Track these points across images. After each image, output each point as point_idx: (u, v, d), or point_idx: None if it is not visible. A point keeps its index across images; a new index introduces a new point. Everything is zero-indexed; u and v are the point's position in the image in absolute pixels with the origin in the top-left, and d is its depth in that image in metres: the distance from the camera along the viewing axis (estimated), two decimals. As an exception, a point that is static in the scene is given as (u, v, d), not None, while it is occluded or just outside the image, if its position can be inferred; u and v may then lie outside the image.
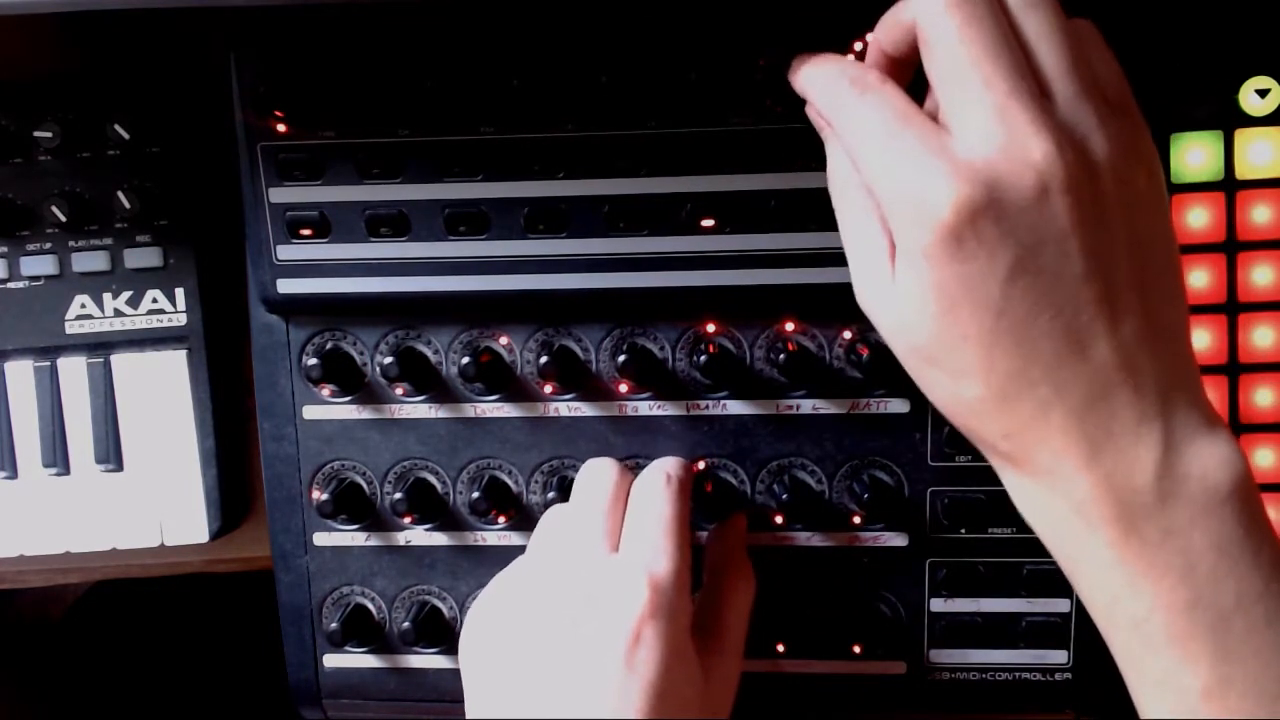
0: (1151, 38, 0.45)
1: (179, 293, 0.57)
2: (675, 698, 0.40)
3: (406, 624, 0.52)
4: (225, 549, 0.59)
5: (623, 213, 0.48)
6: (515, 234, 0.49)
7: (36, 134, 0.54)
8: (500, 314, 0.52)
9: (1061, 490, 0.34)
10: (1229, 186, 0.50)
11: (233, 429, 0.58)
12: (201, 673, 0.90)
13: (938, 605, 0.52)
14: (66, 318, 0.57)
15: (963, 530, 0.51)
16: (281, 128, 0.48)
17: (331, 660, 0.55)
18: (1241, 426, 0.51)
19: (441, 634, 0.54)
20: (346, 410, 0.53)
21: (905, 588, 0.52)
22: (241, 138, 0.49)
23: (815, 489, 0.51)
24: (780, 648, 0.52)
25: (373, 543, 0.54)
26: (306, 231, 0.49)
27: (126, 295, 0.57)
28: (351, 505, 0.52)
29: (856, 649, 0.52)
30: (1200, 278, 0.50)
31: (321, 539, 0.54)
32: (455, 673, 0.54)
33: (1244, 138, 0.49)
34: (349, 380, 0.52)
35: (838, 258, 0.48)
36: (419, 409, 0.53)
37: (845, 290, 0.48)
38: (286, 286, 0.51)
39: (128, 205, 0.55)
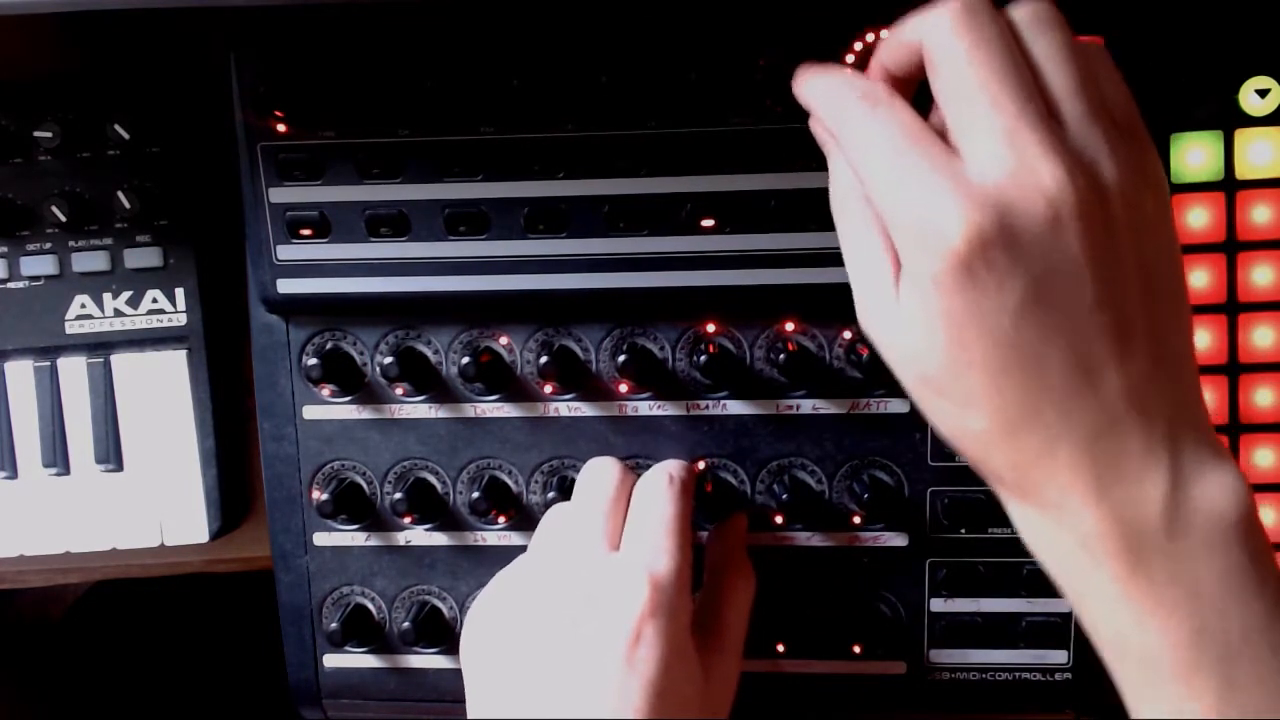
0: (1152, 38, 0.45)
1: (179, 293, 0.57)
2: (675, 696, 0.40)
3: (406, 624, 0.52)
4: (225, 549, 0.59)
5: (623, 213, 0.48)
6: (515, 234, 0.49)
7: (36, 134, 0.54)
8: (500, 314, 0.52)
9: (1068, 523, 0.33)
10: (1229, 186, 0.50)
11: (233, 429, 0.58)
12: (201, 673, 0.90)
13: (938, 605, 0.52)
14: (66, 318, 0.57)
15: (963, 530, 0.51)
16: (281, 128, 0.48)
17: (331, 660, 0.55)
18: (1241, 426, 0.51)
19: (441, 634, 0.54)
20: (346, 410, 0.53)
21: (905, 588, 0.52)
22: (241, 138, 0.49)
23: (815, 489, 0.51)
24: (780, 648, 0.52)
25: (373, 543, 0.54)
26: (306, 231, 0.49)
27: (126, 295, 0.57)
28: (351, 505, 0.52)
29: (856, 649, 0.52)
30: (1200, 278, 0.50)
31: (321, 539, 0.54)
32: (455, 673, 0.54)
33: (1244, 138, 0.49)
34: (349, 380, 0.52)
35: (838, 258, 0.47)
36: (419, 409, 0.53)
37: (845, 290, 0.48)
38: (286, 286, 0.51)
39: (128, 205, 0.55)
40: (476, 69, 0.47)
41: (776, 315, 0.51)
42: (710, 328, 0.51)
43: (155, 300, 0.57)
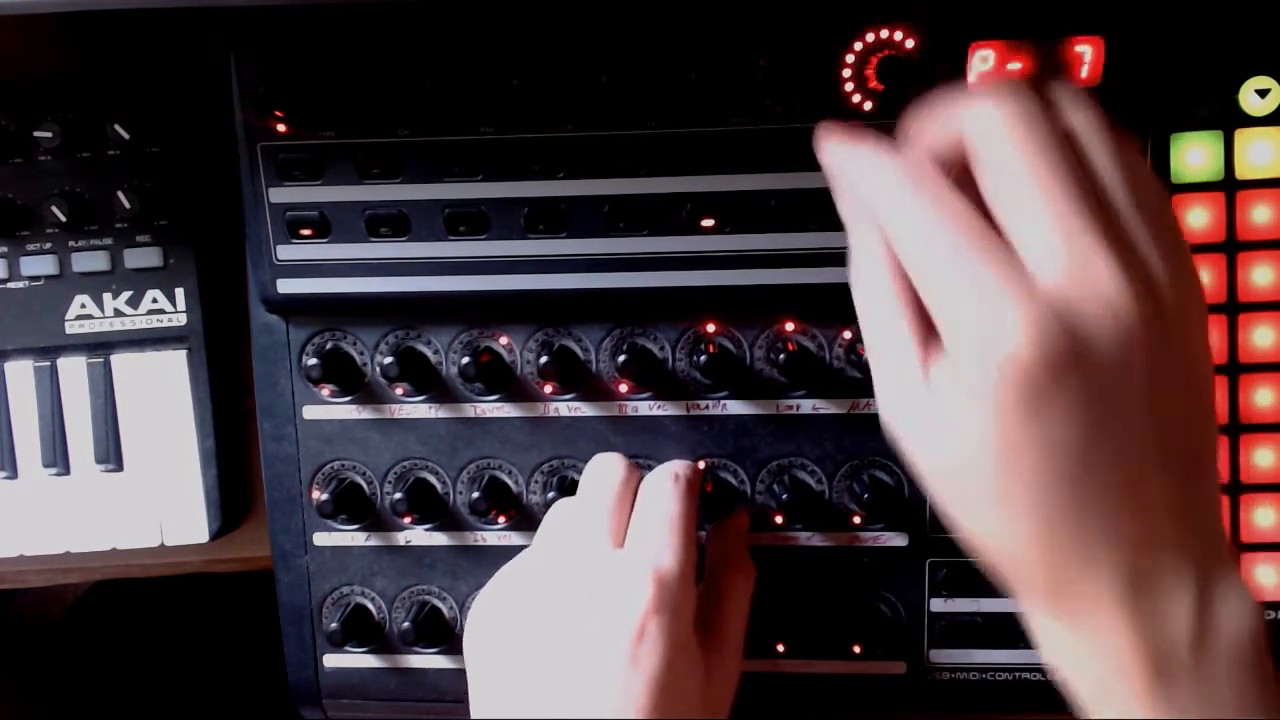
0: (1152, 38, 0.45)
1: (179, 293, 0.57)
2: (678, 693, 0.40)
3: (406, 624, 0.52)
4: (225, 549, 0.59)
5: (623, 213, 0.48)
6: (515, 234, 0.49)
7: (36, 134, 0.54)
8: (500, 314, 0.52)
9: (1098, 640, 0.33)
10: (1229, 186, 0.50)
11: (233, 429, 0.58)
12: (201, 673, 0.90)
13: (938, 605, 0.52)
14: (66, 318, 0.57)
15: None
16: (281, 128, 0.48)
17: (331, 660, 0.55)
18: (1241, 427, 0.51)
19: (441, 634, 0.54)
20: (346, 410, 0.53)
21: (905, 588, 0.52)
22: (241, 138, 0.49)
23: (815, 489, 0.51)
24: (780, 648, 0.52)
25: (373, 543, 0.54)
26: (306, 231, 0.49)
27: (126, 295, 0.57)
28: (351, 505, 0.52)
29: (856, 649, 0.52)
30: (1200, 278, 0.50)
31: (321, 539, 0.54)
32: (455, 673, 0.54)
33: (1244, 138, 0.49)
34: (349, 380, 0.52)
35: (838, 258, 0.48)
36: (419, 409, 0.53)
37: (845, 290, 0.48)
38: (286, 286, 0.51)
39: (128, 205, 0.55)
40: (476, 69, 0.47)
41: (776, 315, 0.51)
42: (710, 328, 0.51)
43: (155, 300, 0.57)
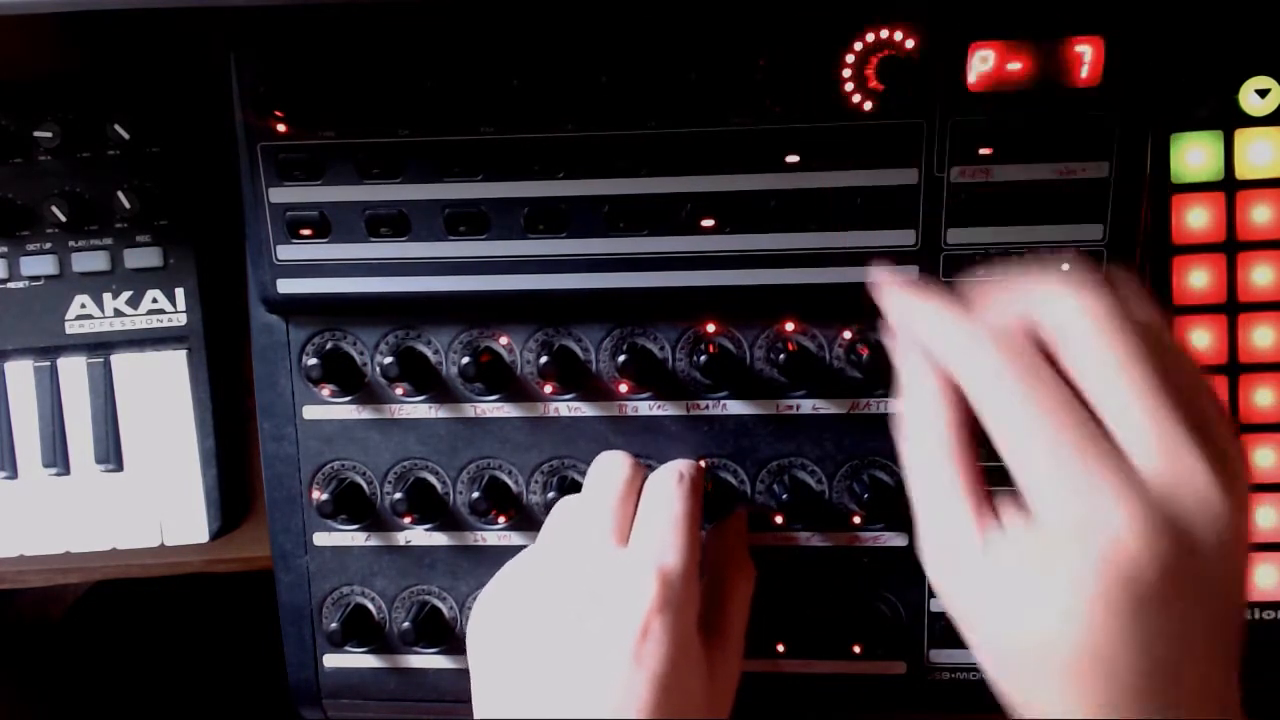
0: (1152, 38, 0.45)
1: (179, 293, 0.57)
2: (681, 692, 0.40)
3: (406, 624, 0.52)
4: (225, 549, 0.59)
5: (623, 213, 0.48)
6: (515, 234, 0.49)
7: (36, 134, 0.54)
8: (500, 314, 0.52)
9: None
10: (1229, 186, 0.50)
11: (233, 429, 0.58)
12: (201, 673, 0.90)
13: (938, 605, 0.52)
14: (66, 318, 0.57)
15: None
16: (281, 128, 0.48)
17: (331, 660, 0.55)
18: (1242, 427, 0.51)
19: (441, 634, 0.54)
20: (346, 410, 0.53)
21: (905, 588, 0.52)
22: (241, 138, 0.49)
23: (815, 489, 0.51)
24: (780, 648, 0.52)
25: (373, 543, 0.54)
26: (306, 231, 0.49)
27: (126, 295, 0.57)
28: (351, 505, 0.52)
29: (856, 649, 0.52)
30: (1200, 278, 0.50)
31: (321, 539, 0.54)
32: (455, 673, 0.54)
33: (1244, 138, 0.49)
34: (349, 380, 0.52)
35: (837, 258, 0.48)
36: (419, 409, 0.53)
37: (845, 290, 0.48)
38: (286, 286, 0.51)
39: (128, 205, 0.55)
40: (476, 69, 0.47)
41: (776, 315, 0.51)
42: (710, 328, 0.51)
43: (155, 300, 0.57)
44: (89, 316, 0.57)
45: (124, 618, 0.87)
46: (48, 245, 0.56)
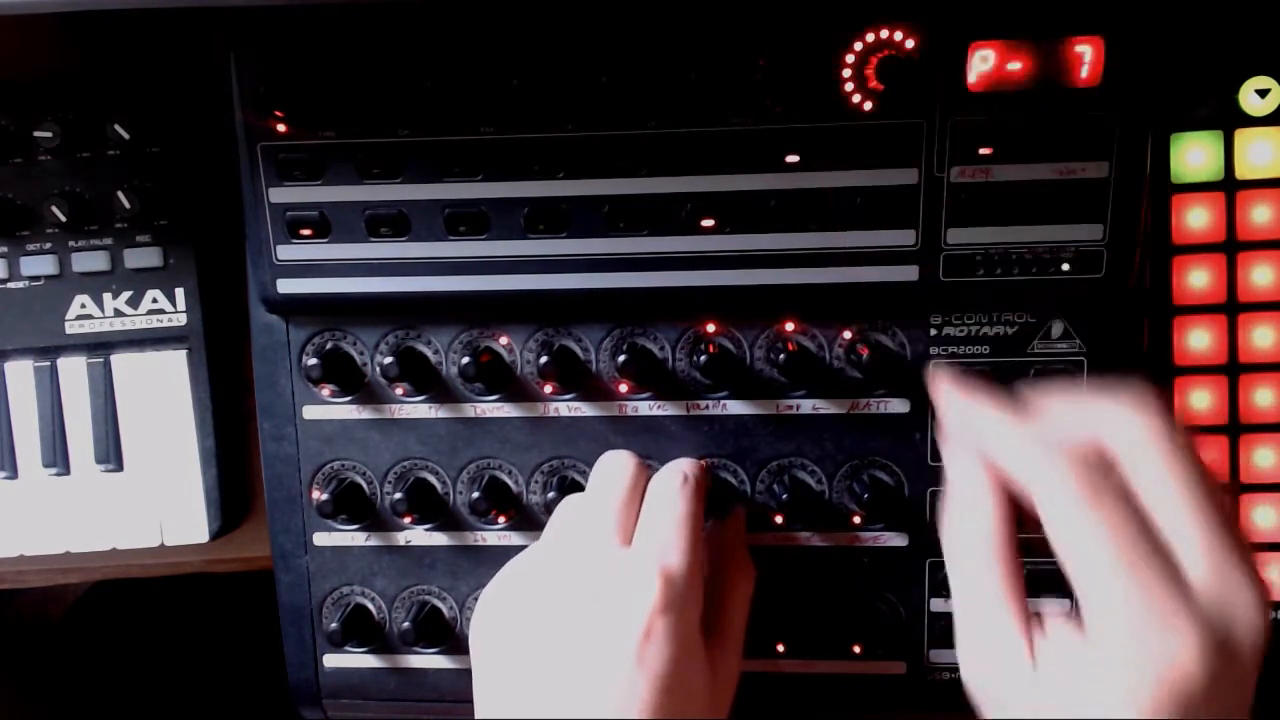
0: (1152, 38, 0.45)
1: (179, 293, 0.57)
2: (683, 692, 0.40)
3: (406, 624, 0.52)
4: (225, 549, 0.59)
5: (623, 213, 0.48)
6: (515, 234, 0.49)
7: (36, 134, 0.54)
8: (500, 314, 0.52)
9: None
10: (1229, 186, 0.50)
11: (233, 429, 0.58)
12: (201, 673, 0.90)
13: (938, 605, 0.52)
14: (66, 318, 0.57)
15: (963, 530, 0.51)
16: (281, 128, 0.48)
17: (331, 660, 0.55)
18: (1241, 427, 0.51)
19: (441, 634, 0.54)
20: (346, 410, 0.53)
21: (905, 588, 0.52)
22: (241, 138, 0.49)
23: (815, 489, 0.51)
24: (780, 648, 0.52)
25: (373, 543, 0.54)
26: (306, 231, 0.49)
27: (126, 295, 0.57)
28: (351, 505, 0.52)
29: (856, 649, 0.52)
30: (1200, 278, 0.50)
31: (321, 539, 0.54)
32: (455, 673, 0.54)
33: (1244, 138, 0.49)
34: (349, 380, 0.52)
35: (837, 258, 0.48)
36: (419, 409, 0.53)
37: (845, 290, 0.48)
38: (286, 286, 0.51)
39: (128, 205, 0.55)
40: (476, 69, 0.47)
41: (776, 315, 0.51)
42: (710, 328, 0.51)
43: (155, 300, 0.57)
44: (89, 316, 0.57)
45: (124, 618, 0.87)
46: (48, 245, 0.56)
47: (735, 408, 0.51)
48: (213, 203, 0.56)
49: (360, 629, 0.53)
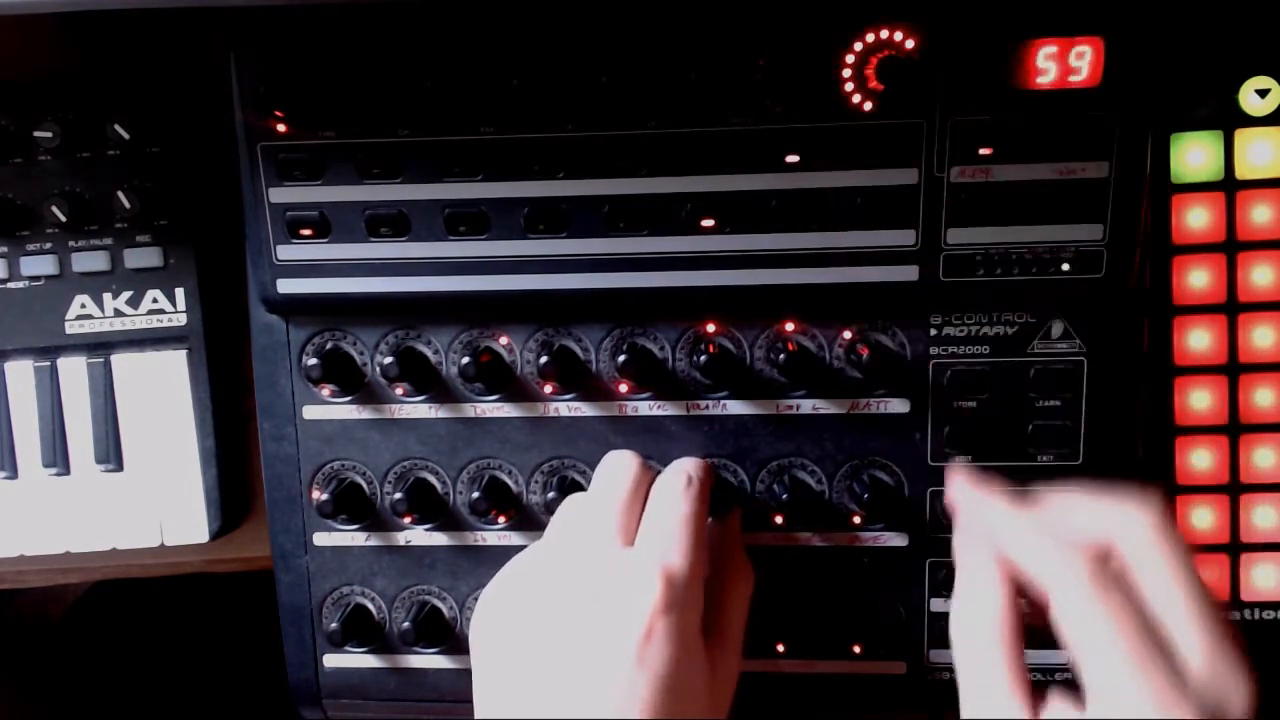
0: (1152, 38, 0.45)
1: (179, 293, 0.57)
2: (683, 693, 0.40)
3: (406, 624, 0.52)
4: (225, 549, 0.59)
5: (623, 213, 0.48)
6: (515, 234, 0.49)
7: (36, 134, 0.54)
8: (500, 314, 0.52)
9: None
10: (1229, 186, 0.50)
11: (233, 429, 0.58)
12: (201, 673, 0.90)
13: (938, 605, 0.52)
14: (66, 318, 0.57)
15: (963, 530, 0.51)
16: (281, 128, 0.48)
17: (331, 660, 0.55)
18: (1241, 427, 0.51)
19: (441, 634, 0.54)
20: (346, 410, 0.53)
21: (905, 588, 0.52)
22: (241, 138, 0.49)
23: (815, 489, 0.51)
24: (780, 648, 0.52)
25: (373, 543, 0.54)
26: (306, 231, 0.49)
27: (126, 295, 0.57)
28: (351, 505, 0.52)
29: (856, 649, 0.52)
30: (1200, 278, 0.50)
31: (321, 539, 0.54)
32: (455, 673, 0.54)
33: (1244, 138, 0.49)
34: (349, 380, 0.52)
35: (837, 258, 0.48)
36: (419, 409, 0.53)
37: (845, 290, 0.48)
38: (286, 286, 0.51)
39: (128, 205, 0.55)
40: (476, 69, 0.47)
41: (776, 315, 0.51)
42: (710, 328, 0.51)
43: (155, 300, 0.57)
44: (89, 316, 0.57)
45: (124, 618, 0.87)
46: (48, 245, 0.56)
47: (735, 408, 0.51)
48: (213, 203, 0.56)
49: (360, 629, 0.53)
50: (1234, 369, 0.50)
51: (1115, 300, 0.49)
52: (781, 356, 0.49)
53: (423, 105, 0.47)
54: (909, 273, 0.48)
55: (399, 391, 0.53)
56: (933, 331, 0.50)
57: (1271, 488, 0.51)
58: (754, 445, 0.52)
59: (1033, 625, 0.40)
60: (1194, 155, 0.50)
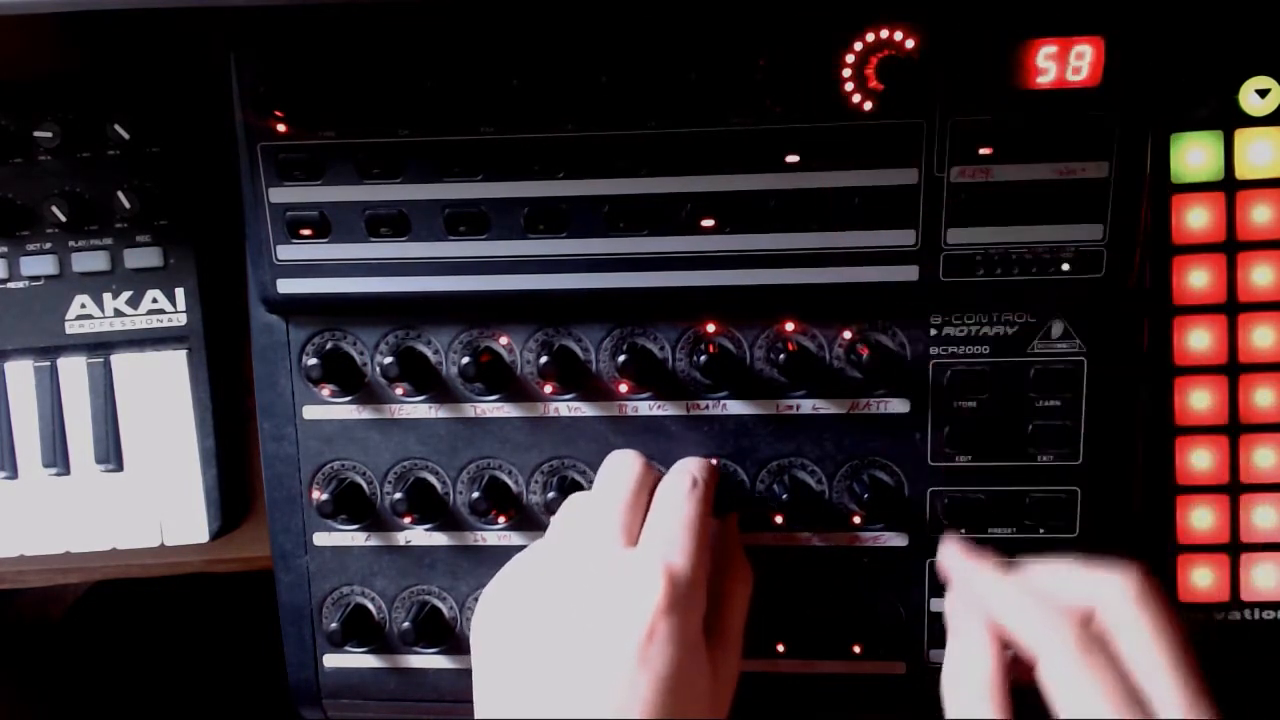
0: (1152, 38, 0.45)
1: (179, 293, 0.57)
2: (685, 693, 0.40)
3: (406, 624, 0.52)
4: (225, 549, 0.59)
5: (623, 213, 0.48)
6: (515, 234, 0.49)
7: (36, 134, 0.54)
8: (500, 314, 0.52)
9: None
10: (1229, 186, 0.50)
11: (233, 429, 0.58)
12: (201, 673, 0.90)
13: (937, 605, 0.52)
14: (66, 318, 0.57)
15: (963, 530, 0.51)
16: (281, 128, 0.48)
17: (331, 660, 0.55)
18: (1241, 427, 0.51)
19: (441, 634, 0.54)
20: (346, 410, 0.53)
21: (905, 588, 0.52)
22: (241, 138, 0.49)
23: (815, 489, 0.51)
24: (780, 648, 0.52)
25: (373, 543, 0.54)
26: (306, 231, 0.49)
27: (126, 295, 0.57)
28: (351, 505, 0.53)
29: (856, 649, 0.52)
30: (1200, 278, 0.50)
31: (321, 539, 0.54)
32: (455, 673, 0.54)
33: (1244, 138, 0.49)
34: (349, 380, 0.52)
35: (837, 258, 0.48)
36: (419, 409, 0.53)
37: (845, 290, 0.48)
38: (286, 286, 0.51)
39: (128, 205, 0.55)
40: (476, 69, 0.47)
41: (776, 315, 0.51)
42: (710, 328, 0.51)
43: (155, 300, 0.57)
44: (89, 316, 0.57)
45: (124, 618, 0.87)
46: (48, 245, 0.56)
47: (735, 408, 0.51)
48: (213, 203, 0.56)
49: (360, 629, 0.53)
50: (1234, 369, 0.50)
51: (1115, 300, 0.49)
52: (781, 356, 0.49)
53: (423, 105, 0.47)
54: (909, 273, 0.48)
55: (399, 391, 0.53)
56: (933, 331, 0.50)
57: (1271, 488, 0.51)
58: (754, 445, 0.52)
59: (1020, 683, 0.42)
60: (1194, 155, 0.50)
